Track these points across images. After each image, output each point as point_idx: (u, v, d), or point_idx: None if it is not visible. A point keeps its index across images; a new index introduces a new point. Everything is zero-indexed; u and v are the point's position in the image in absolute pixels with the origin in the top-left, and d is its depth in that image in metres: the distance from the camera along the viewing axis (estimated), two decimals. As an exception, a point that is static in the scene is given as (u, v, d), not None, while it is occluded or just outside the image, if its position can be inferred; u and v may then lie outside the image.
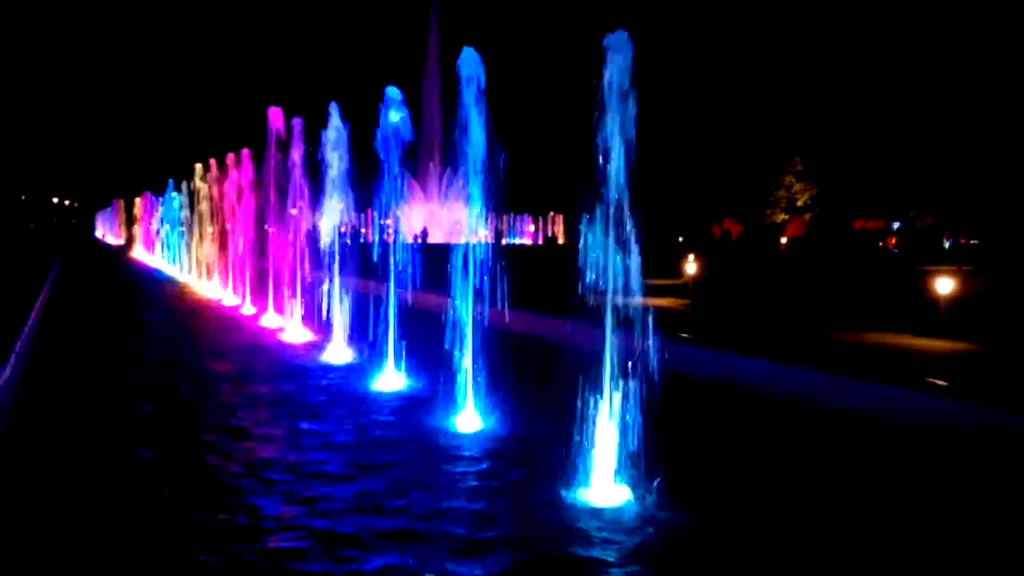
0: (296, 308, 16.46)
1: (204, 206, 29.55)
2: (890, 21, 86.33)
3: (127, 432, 8.79)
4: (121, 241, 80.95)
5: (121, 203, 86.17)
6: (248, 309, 21.01)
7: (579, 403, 6.75)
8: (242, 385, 11.53)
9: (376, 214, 12.39)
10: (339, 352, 13.71)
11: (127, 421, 9.34)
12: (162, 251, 42.50)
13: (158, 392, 11.00)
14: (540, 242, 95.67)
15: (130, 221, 72.22)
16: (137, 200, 57.68)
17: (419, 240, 65.79)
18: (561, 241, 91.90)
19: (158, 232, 44.02)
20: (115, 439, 8.51)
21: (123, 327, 18.04)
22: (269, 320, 18.41)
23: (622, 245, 6.65)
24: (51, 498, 6.75)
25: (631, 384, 6.65)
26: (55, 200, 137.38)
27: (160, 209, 43.73)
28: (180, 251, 36.16)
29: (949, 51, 77.80)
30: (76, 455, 7.92)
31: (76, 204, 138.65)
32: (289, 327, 16.61)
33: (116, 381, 11.73)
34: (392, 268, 11.22)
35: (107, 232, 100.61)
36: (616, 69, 6.56)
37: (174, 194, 37.96)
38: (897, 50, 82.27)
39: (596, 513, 6.43)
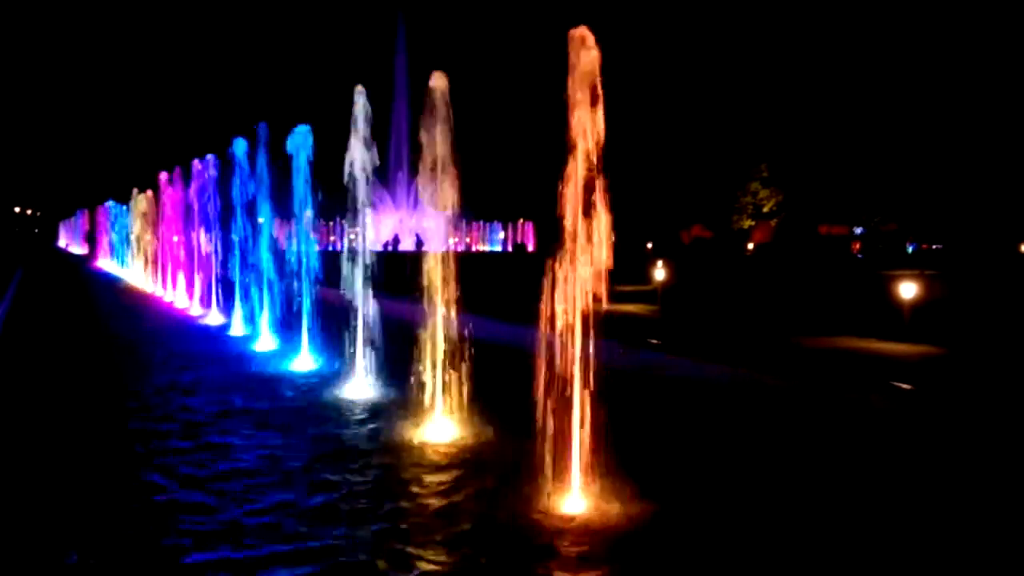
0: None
1: None
2: (853, 31, 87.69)
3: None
4: (85, 250, 78.99)
5: (86, 212, 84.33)
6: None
7: (545, 411, 6.70)
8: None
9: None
10: None
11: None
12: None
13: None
14: (510, 249, 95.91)
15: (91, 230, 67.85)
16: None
17: (389, 248, 65.64)
18: (531, 248, 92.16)
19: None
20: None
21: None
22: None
23: (590, 251, 6.63)
24: None
25: (599, 391, 6.63)
26: (17, 209, 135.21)
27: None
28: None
29: (910, 61, 79.21)
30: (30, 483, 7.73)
31: (39, 213, 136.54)
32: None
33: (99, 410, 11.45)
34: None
35: (71, 242, 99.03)
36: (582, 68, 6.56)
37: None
38: (860, 60, 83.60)
39: (562, 520, 6.39)
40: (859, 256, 75.35)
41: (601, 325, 6.62)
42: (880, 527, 6.45)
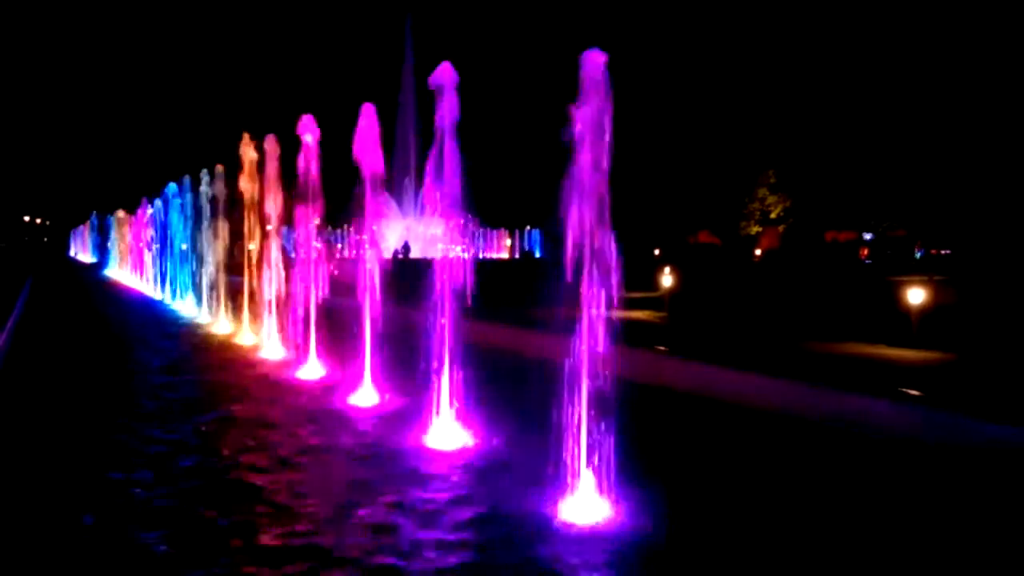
0: None
1: None
2: (861, 37, 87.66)
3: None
4: (94, 259, 78.41)
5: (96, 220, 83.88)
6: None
7: (554, 418, 6.69)
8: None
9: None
10: None
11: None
12: None
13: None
14: (516, 256, 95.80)
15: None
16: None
17: (400, 255, 65.48)
18: (537, 255, 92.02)
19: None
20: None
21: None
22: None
23: (599, 258, 6.63)
24: None
25: (607, 397, 6.62)
26: (26, 218, 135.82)
27: None
28: None
29: (919, 68, 79.11)
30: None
31: (48, 222, 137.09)
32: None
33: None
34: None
35: (80, 250, 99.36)
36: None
37: None
38: (868, 66, 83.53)
39: (571, 529, 6.37)
40: (867, 262, 75.07)
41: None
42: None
